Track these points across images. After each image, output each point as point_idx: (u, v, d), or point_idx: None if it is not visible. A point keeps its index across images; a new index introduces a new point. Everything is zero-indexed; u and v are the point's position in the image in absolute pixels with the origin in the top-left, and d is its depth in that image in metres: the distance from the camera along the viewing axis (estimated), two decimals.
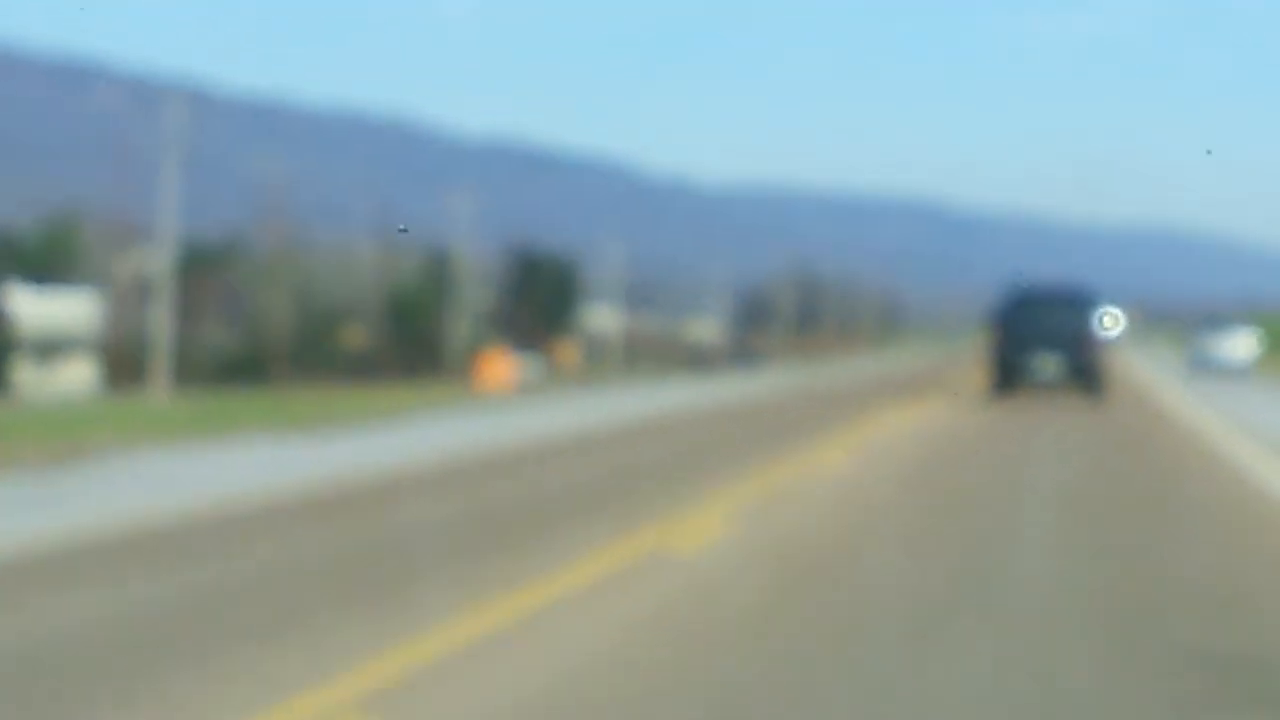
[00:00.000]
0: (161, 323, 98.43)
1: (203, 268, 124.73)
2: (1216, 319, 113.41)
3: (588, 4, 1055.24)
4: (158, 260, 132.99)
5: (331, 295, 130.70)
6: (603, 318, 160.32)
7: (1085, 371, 58.18)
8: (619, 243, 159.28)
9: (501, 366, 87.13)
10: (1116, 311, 67.21)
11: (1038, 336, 58.61)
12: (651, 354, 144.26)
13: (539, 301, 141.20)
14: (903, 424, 48.80)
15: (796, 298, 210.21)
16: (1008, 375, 59.32)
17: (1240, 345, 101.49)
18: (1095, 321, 60.01)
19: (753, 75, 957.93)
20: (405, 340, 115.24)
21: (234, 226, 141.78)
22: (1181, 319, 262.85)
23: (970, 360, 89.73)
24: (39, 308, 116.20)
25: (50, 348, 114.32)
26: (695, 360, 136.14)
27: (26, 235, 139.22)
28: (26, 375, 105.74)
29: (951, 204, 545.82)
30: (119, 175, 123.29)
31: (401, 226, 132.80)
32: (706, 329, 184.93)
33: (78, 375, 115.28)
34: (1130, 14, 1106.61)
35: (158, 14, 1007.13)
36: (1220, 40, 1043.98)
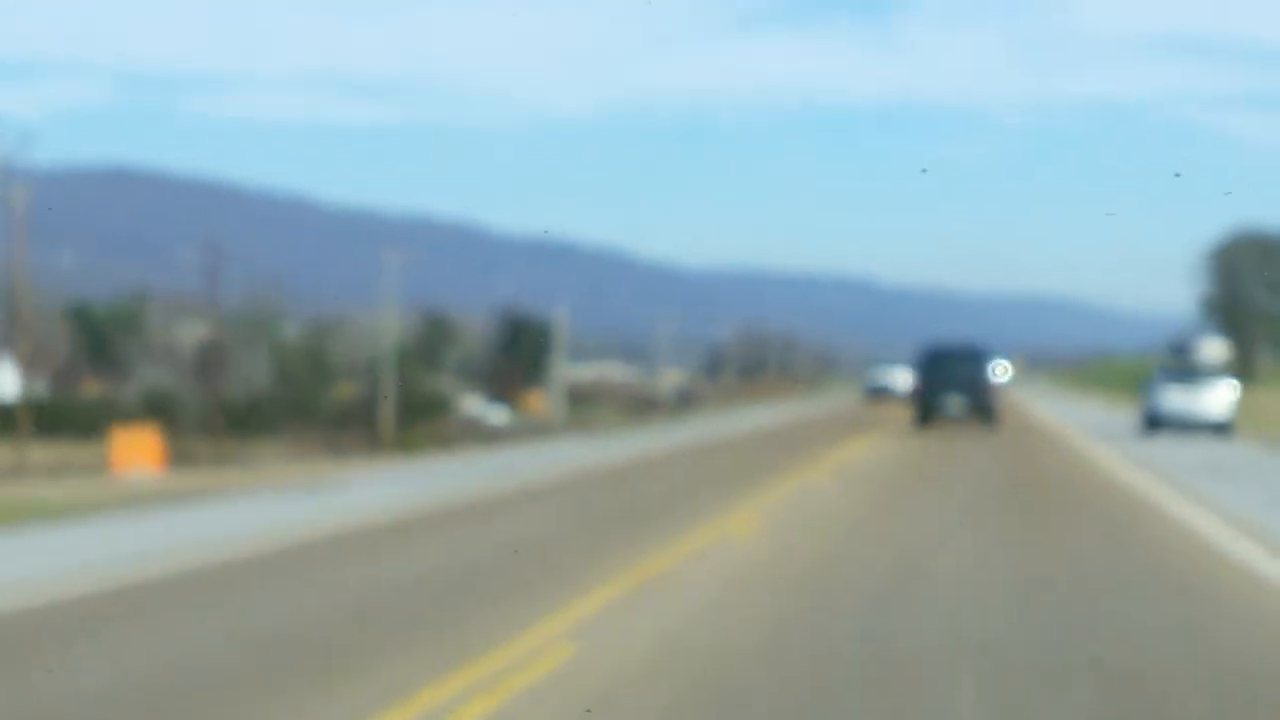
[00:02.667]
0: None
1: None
2: (1180, 363, 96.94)
3: (596, 132, 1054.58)
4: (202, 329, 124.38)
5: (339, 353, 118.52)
6: (574, 371, 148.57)
7: (983, 408, 61.15)
8: (608, 312, 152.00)
9: (142, 447, 48.52)
10: (1005, 362, 71.75)
11: (947, 382, 61.00)
12: (619, 399, 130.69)
13: (522, 359, 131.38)
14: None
15: (743, 351, 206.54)
16: (926, 412, 61.84)
17: (1218, 397, 62.05)
18: (990, 370, 62.28)
19: (726, 181, 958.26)
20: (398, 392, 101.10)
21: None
22: (1055, 364, 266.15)
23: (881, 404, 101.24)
24: None
25: None
26: (645, 404, 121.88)
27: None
28: None
29: (878, 278, 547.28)
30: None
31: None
32: (674, 378, 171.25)
33: None
34: (1002, 138, 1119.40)
35: (275, 137, 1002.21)
36: (1064, 156, 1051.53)
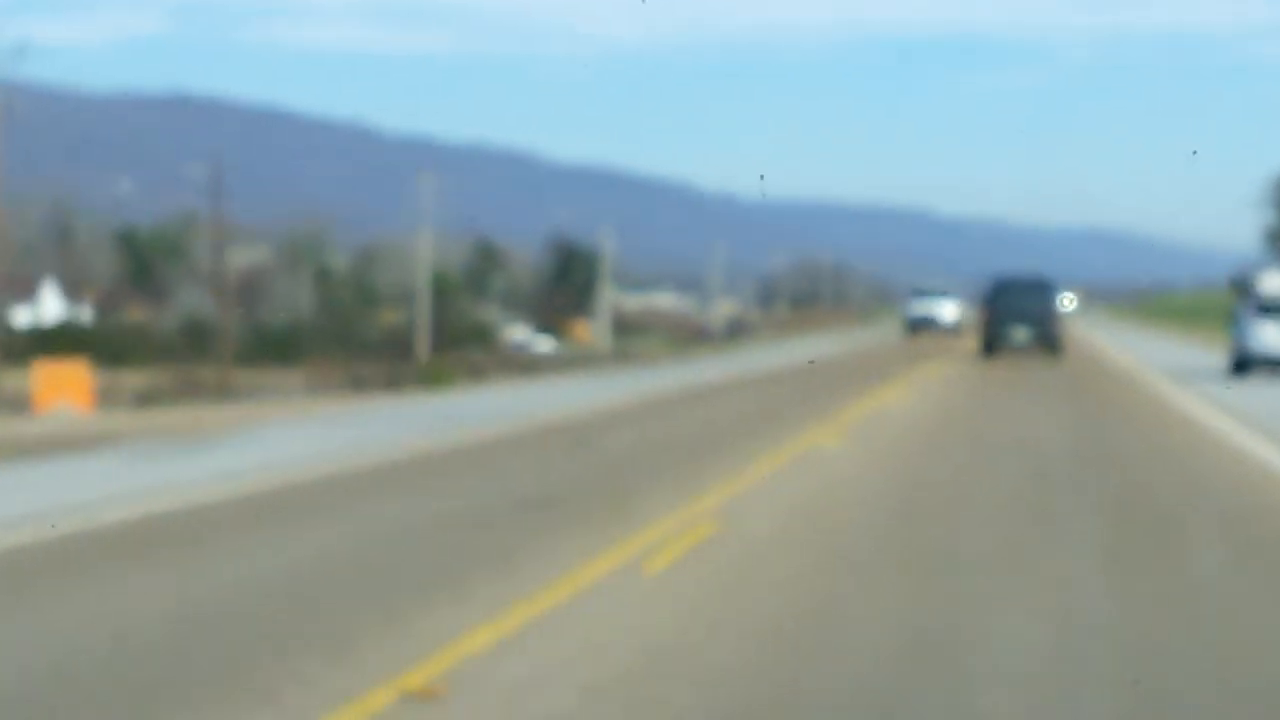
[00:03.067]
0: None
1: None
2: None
3: (656, 64, 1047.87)
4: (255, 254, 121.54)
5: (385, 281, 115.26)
6: (625, 300, 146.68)
7: (1049, 338, 59.92)
8: (664, 242, 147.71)
9: (68, 383, 41.91)
10: (1070, 294, 71.55)
11: (1015, 313, 60.19)
12: (669, 329, 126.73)
13: (572, 287, 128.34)
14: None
15: (796, 283, 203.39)
16: (992, 341, 60.81)
17: None
18: (1056, 301, 61.35)
19: (785, 113, 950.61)
20: (440, 320, 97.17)
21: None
22: (1115, 298, 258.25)
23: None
24: None
25: None
26: (695, 334, 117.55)
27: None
28: None
29: (937, 210, 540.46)
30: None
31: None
32: (727, 308, 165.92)
33: None
34: (1064, 70, 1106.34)
35: (334, 66, 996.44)
36: (1125, 89, 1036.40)
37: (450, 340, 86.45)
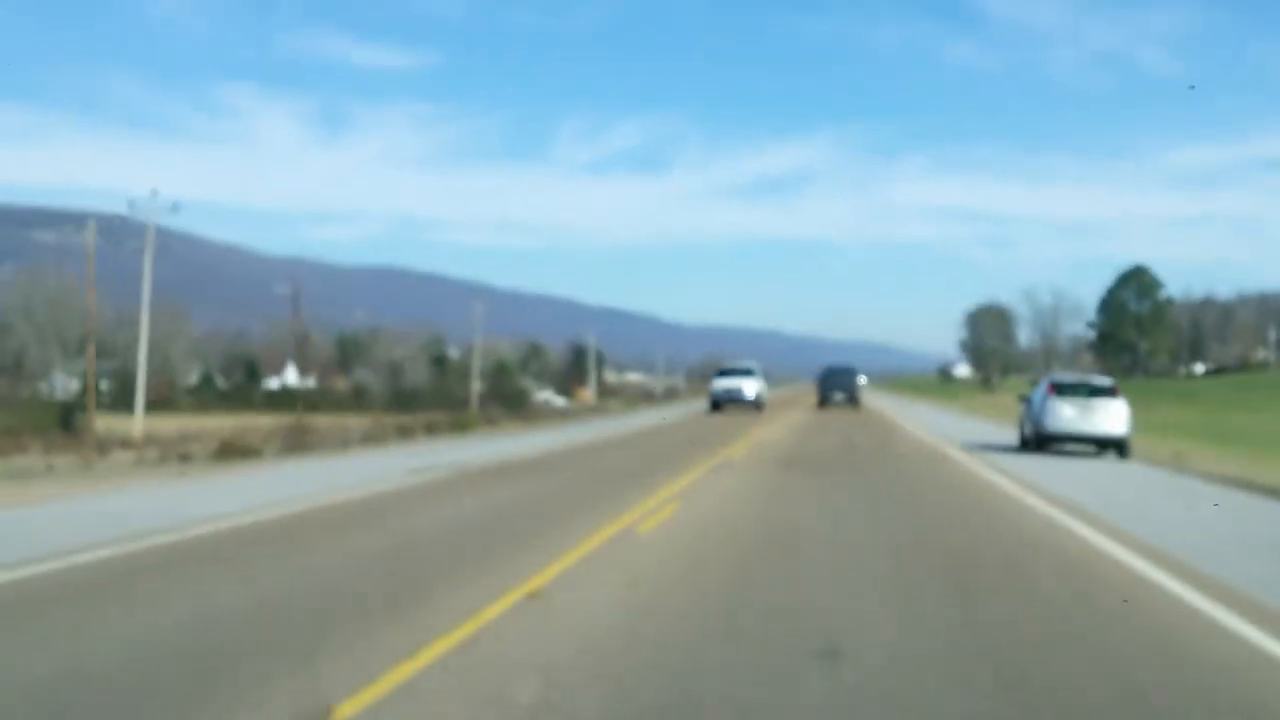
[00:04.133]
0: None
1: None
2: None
3: (637, 254, 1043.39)
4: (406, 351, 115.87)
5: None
6: (611, 376, 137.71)
7: (852, 398, 55.64)
8: (640, 347, 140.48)
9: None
10: (863, 375, 62.50)
11: (834, 385, 56.05)
12: (632, 393, 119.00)
13: (581, 371, 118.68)
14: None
15: (708, 368, 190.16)
16: (823, 400, 56.04)
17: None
18: (856, 379, 57.27)
19: (703, 282, 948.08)
20: (497, 391, 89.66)
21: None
22: (874, 379, 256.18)
23: (801, 394, 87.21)
24: None
25: None
26: (645, 396, 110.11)
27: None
28: None
29: (786, 330, 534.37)
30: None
31: None
32: (665, 382, 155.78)
33: None
34: (850, 263, 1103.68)
35: (479, 253, 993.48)
36: (888, 273, 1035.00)
37: (502, 400, 79.28)
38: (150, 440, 32.23)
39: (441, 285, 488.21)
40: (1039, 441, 23.87)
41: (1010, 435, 29.91)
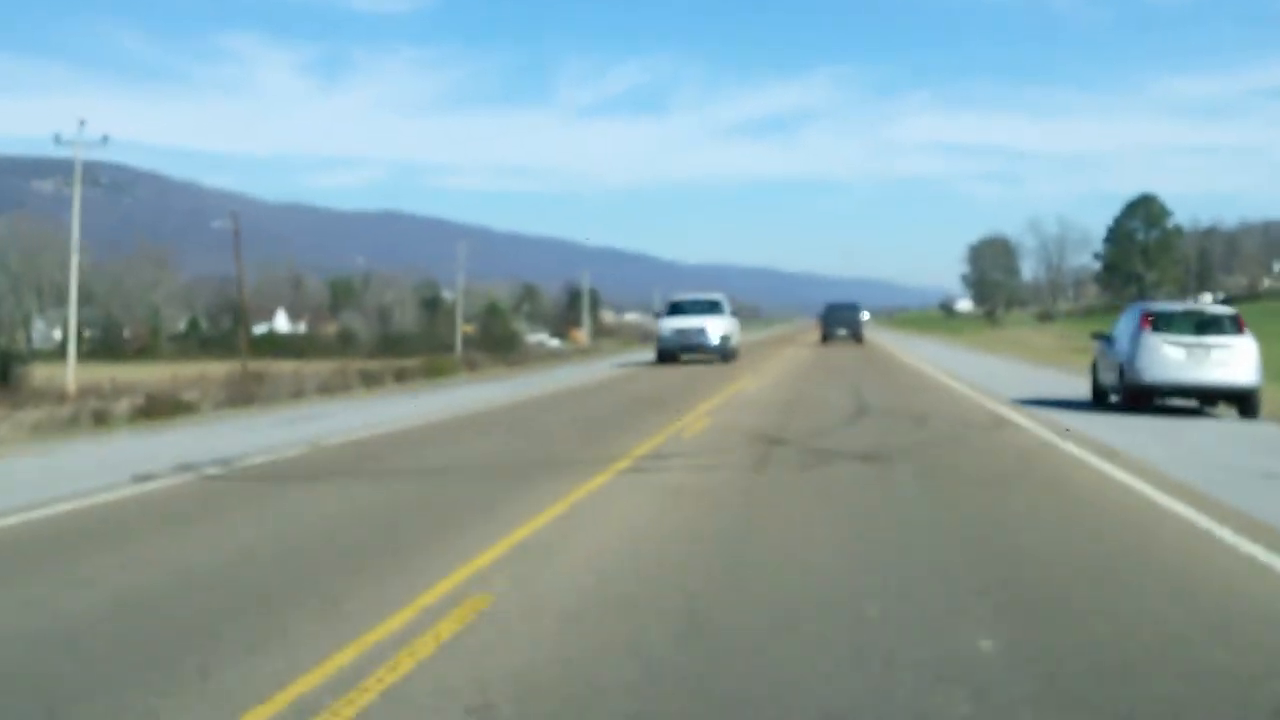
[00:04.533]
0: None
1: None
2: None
3: (643, 195, 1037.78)
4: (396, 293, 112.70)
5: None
6: (611, 318, 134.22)
7: (856, 334, 53.17)
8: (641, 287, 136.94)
9: None
10: (865, 311, 59.96)
11: (837, 320, 53.96)
12: (628, 334, 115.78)
13: (576, 312, 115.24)
14: None
15: None
16: (826, 335, 53.93)
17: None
18: (859, 314, 55.27)
19: (710, 219, 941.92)
20: (490, 334, 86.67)
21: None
22: (878, 315, 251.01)
23: (801, 330, 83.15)
24: None
25: None
26: (643, 337, 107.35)
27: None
28: None
29: (783, 268, 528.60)
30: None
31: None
32: None
33: None
34: (852, 197, 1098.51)
35: (476, 198, 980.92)
36: (894, 207, 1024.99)
37: (492, 342, 76.33)
38: (89, 393, 29.33)
39: (440, 229, 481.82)
40: (1132, 396, 16.30)
41: (1057, 381, 24.45)
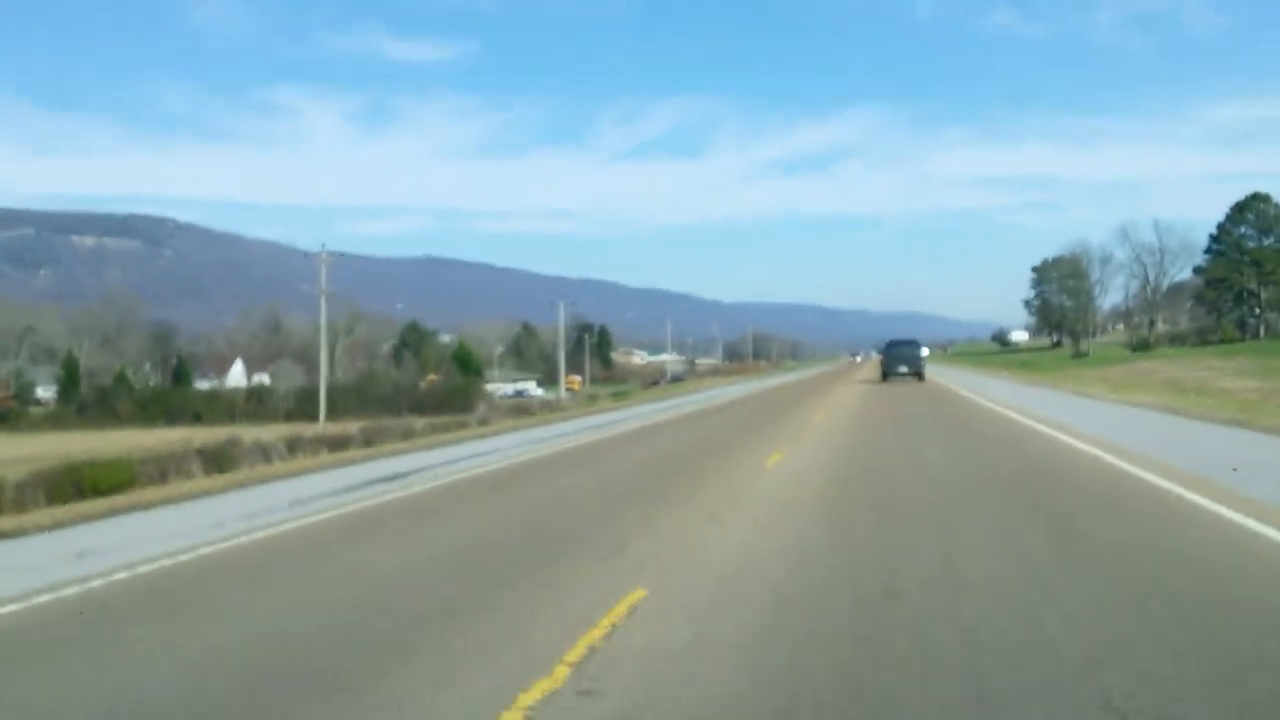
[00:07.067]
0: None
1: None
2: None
3: (662, 239, 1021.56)
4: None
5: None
6: (634, 360, 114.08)
7: (918, 372, 47.45)
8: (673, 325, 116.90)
9: None
10: (925, 348, 53.77)
11: (898, 358, 48.78)
12: (636, 375, 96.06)
13: (582, 351, 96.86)
14: None
15: (731, 346, 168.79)
16: (886, 373, 48.23)
17: None
18: (920, 351, 50.17)
19: (741, 257, 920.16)
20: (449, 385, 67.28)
21: None
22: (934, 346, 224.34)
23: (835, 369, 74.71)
24: None
25: None
26: (650, 380, 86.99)
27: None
28: None
29: (825, 304, 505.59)
30: None
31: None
32: (675, 361, 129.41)
33: None
34: (890, 232, 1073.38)
35: (513, 240, 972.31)
36: (931, 240, 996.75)
37: (447, 396, 56.47)
38: None
39: (484, 273, 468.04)
40: None
41: None
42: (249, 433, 32.06)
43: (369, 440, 28.72)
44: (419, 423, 34.35)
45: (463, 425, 35.26)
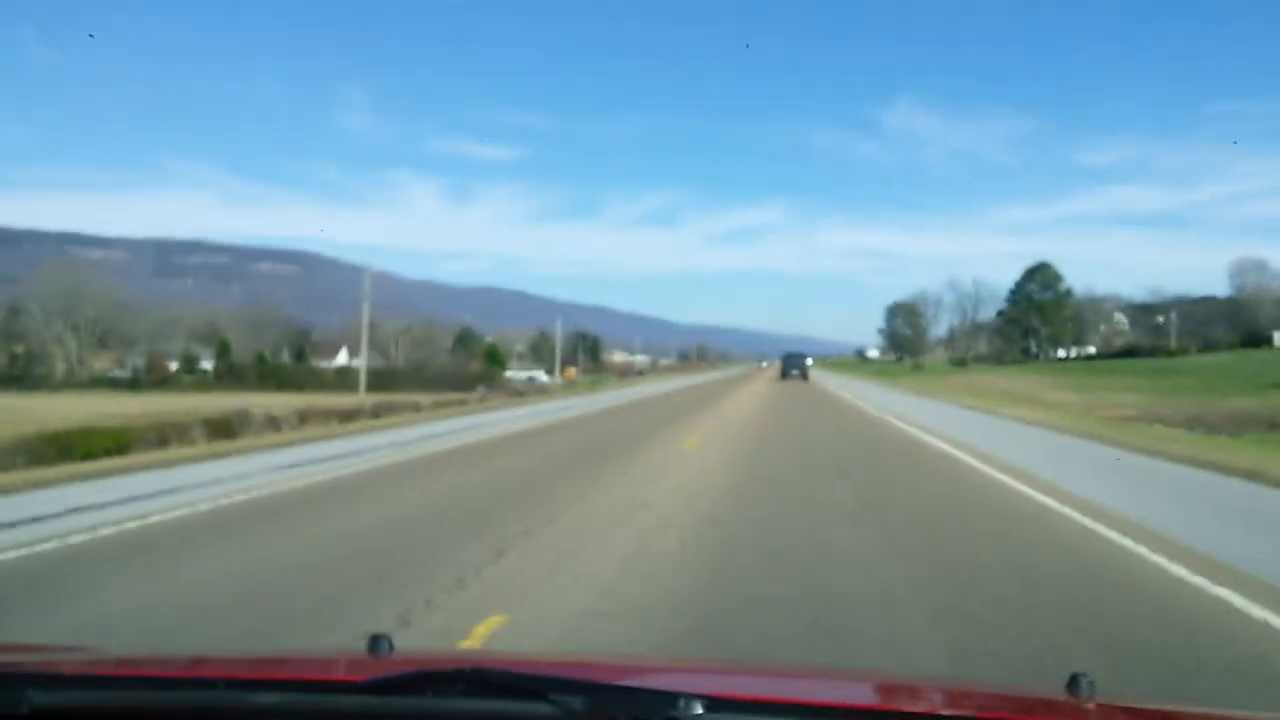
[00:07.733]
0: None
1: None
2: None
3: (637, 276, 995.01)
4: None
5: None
6: (620, 358, 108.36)
7: (804, 374, 43.68)
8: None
9: None
10: (810, 359, 50.10)
11: (792, 364, 45.04)
12: (614, 370, 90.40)
13: (580, 351, 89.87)
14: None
15: (681, 351, 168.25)
16: (784, 374, 44.44)
17: None
18: (805, 361, 46.96)
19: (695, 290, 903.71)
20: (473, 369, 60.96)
21: None
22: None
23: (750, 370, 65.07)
24: None
25: None
26: (627, 373, 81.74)
27: None
28: None
29: (746, 327, 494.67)
30: None
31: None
32: (643, 360, 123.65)
33: None
34: (783, 284, 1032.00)
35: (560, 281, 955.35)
36: (824, 288, 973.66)
37: (473, 377, 50.83)
38: None
39: (524, 299, 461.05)
40: None
41: None
42: (297, 400, 26.58)
43: (376, 413, 23.34)
44: (426, 400, 28.74)
45: (464, 403, 29.85)
